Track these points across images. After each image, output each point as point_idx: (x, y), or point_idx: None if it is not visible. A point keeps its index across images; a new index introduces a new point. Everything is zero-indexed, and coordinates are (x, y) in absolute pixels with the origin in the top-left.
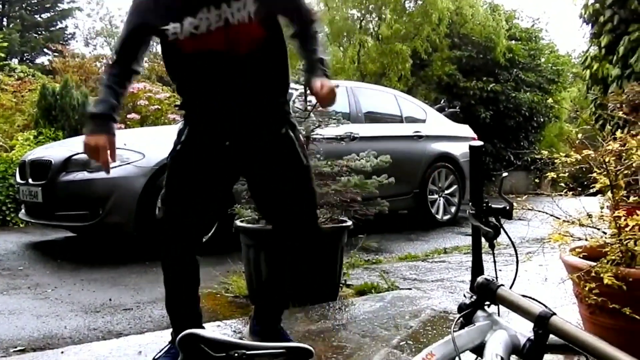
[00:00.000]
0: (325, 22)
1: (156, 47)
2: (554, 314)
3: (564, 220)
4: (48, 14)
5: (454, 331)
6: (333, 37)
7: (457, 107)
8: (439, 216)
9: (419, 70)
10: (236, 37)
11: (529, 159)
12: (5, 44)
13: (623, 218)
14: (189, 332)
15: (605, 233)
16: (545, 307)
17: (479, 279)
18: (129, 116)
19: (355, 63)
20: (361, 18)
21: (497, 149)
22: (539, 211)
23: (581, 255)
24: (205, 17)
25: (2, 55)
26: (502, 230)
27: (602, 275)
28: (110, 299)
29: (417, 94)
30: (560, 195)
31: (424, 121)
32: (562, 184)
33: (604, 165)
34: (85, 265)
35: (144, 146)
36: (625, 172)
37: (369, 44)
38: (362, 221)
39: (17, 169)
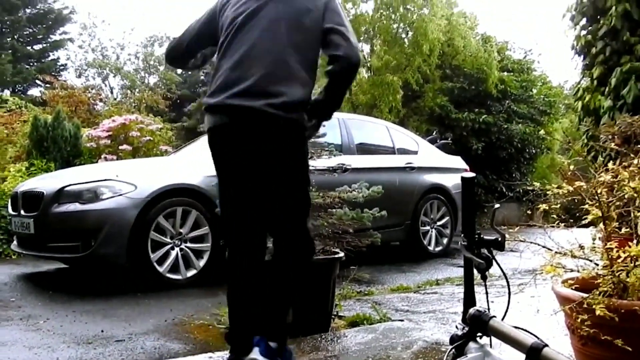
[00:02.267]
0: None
1: (148, 77)
2: (546, 345)
3: (556, 252)
4: (40, 45)
5: None
6: (322, 69)
7: (449, 139)
8: (430, 247)
9: (411, 102)
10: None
11: (521, 191)
12: None
13: (615, 250)
14: None
15: (597, 265)
16: (538, 338)
17: (471, 310)
18: (120, 147)
19: (347, 94)
20: None
21: (489, 181)
22: (531, 242)
23: (573, 287)
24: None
25: None
26: (494, 261)
27: (594, 306)
28: (102, 331)
29: (409, 125)
30: (553, 226)
31: (415, 153)
32: (554, 216)
33: (596, 197)
34: (78, 297)
35: (136, 178)
36: (618, 203)
37: (361, 76)
38: (354, 252)
39: (9, 201)
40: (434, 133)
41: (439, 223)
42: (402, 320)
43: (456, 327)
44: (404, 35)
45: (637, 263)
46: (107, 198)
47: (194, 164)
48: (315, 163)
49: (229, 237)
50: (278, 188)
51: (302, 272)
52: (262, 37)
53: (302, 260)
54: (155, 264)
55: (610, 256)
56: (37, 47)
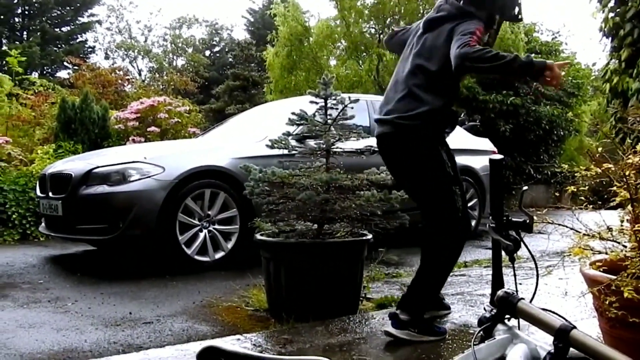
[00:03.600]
0: (342, 36)
1: (176, 60)
2: (574, 327)
3: (584, 234)
4: (68, 27)
5: (474, 345)
6: (350, 52)
7: (477, 121)
8: None
9: None
10: None
11: (549, 173)
12: (24, 59)
13: None
14: (209, 345)
15: (625, 247)
16: (566, 320)
17: (499, 292)
18: (149, 129)
19: (373, 77)
20: (379, 32)
21: (517, 163)
22: (559, 225)
23: (601, 269)
24: None
25: (21, 70)
26: (522, 243)
27: (622, 288)
28: (130, 313)
29: None
30: (581, 208)
31: None
32: (582, 198)
33: (624, 179)
34: (105, 279)
35: (164, 160)
36: None
37: (387, 57)
38: (383, 234)
39: (37, 183)
40: (462, 115)
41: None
42: None
43: (484, 309)
44: None
45: None
46: (135, 180)
47: (222, 146)
48: (343, 145)
49: None
50: (409, 184)
51: (439, 256)
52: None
53: (439, 245)
54: (183, 246)
55: (638, 238)
56: (65, 29)
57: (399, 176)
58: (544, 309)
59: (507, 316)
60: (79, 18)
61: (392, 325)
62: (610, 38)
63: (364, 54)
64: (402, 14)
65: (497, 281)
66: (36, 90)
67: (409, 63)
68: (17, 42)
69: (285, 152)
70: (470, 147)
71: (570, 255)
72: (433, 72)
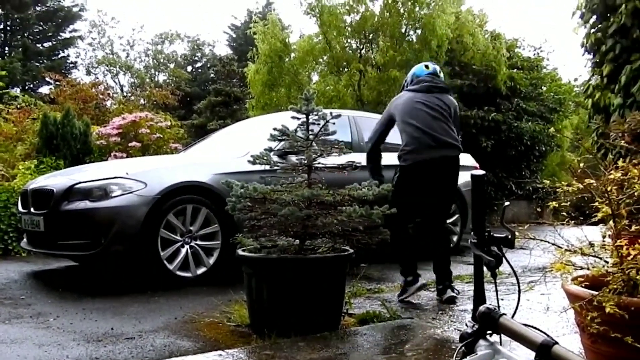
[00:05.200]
0: (323, 52)
1: (157, 75)
2: (556, 343)
3: (565, 250)
4: (50, 43)
5: None
6: (330, 67)
7: (460, 137)
8: None
9: None
10: None
11: (531, 188)
12: (4, 73)
13: (625, 247)
14: None
15: (607, 262)
16: (548, 336)
17: (481, 308)
18: (130, 145)
19: (355, 91)
20: (360, 47)
21: (498, 178)
22: (541, 240)
23: (583, 285)
24: None
25: (2, 84)
26: (504, 259)
27: (604, 304)
28: (112, 328)
29: None
30: (562, 224)
31: None
32: (564, 213)
33: (606, 195)
34: (88, 295)
35: (146, 175)
36: (627, 201)
37: (369, 73)
38: (364, 250)
39: (19, 198)
40: None
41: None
42: (412, 318)
43: (466, 324)
44: (412, 32)
45: None
46: (117, 196)
47: (204, 162)
48: (325, 161)
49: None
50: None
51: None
52: None
53: (447, 232)
54: (165, 261)
55: (620, 254)
56: (46, 44)
57: (442, 189)
58: (525, 325)
59: (489, 332)
60: (61, 34)
61: (453, 292)
62: (592, 54)
63: (345, 69)
64: (383, 29)
65: (479, 297)
66: (18, 106)
67: (431, 109)
68: None
69: (267, 167)
70: None
71: (552, 270)
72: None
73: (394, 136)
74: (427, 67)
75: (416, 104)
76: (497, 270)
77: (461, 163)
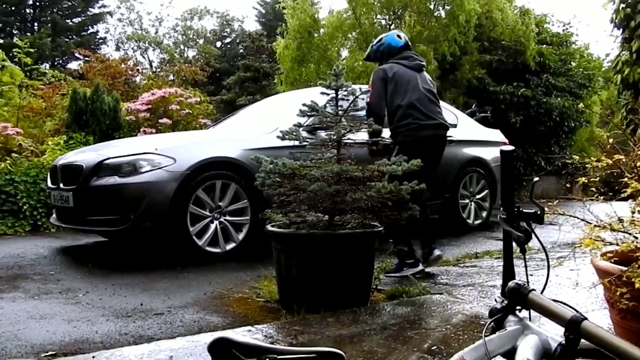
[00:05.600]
0: (352, 28)
1: (187, 51)
2: (585, 318)
3: (595, 225)
4: (79, 19)
5: (485, 336)
6: (360, 43)
7: (489, 112)
8: (470, 221)
9: (448, 74)
10: None
11: (560, 164)
12: (33, 50)
13: None
14: (220, 336)
15: (636, 238)
16: (577, 311)
17: (510, 283)
18: (160, 121)
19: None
20: (390, 23)
21: (528, 154)
22: (570, 216)
23: (612, 260)
24: None
25: (30, 61)
26: (533, 234)
27: (633, 279)
28: (141, 304)
29: (446, 97)
30: (592, 200)
31: (455, 126)
32: (593, 189)
33: (636, 170)
34: (117, 270)
35: (175, 151)
36: None
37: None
38: (393, 226)
39: (49, 174)
40: (473, 106)
41: (478, 196)
42: (441, 294)
43: (495, 300)
44: (440, 8)
45: None
46: (147, 171)
47: (233, 138)
48: (354, 136)
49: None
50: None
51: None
52: None
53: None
54: (194, 237)
55: None
56: (76, 20)
57: (432, 164)
58: (555, 300)
59: (518, 307)
60: (90, 9)
61: (438, 250)
62: (621, 29)
63: None
64: (411, 4)
65: (508, 272)
66: (47, 82)
67: (426, 90)
68: (28, 34)
69: (296, 143)
70: (482, 138)
71: (581, 246)
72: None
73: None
74: (399, 37)
75: (413, 80)
76: (526, 245)
77: (490, 139)
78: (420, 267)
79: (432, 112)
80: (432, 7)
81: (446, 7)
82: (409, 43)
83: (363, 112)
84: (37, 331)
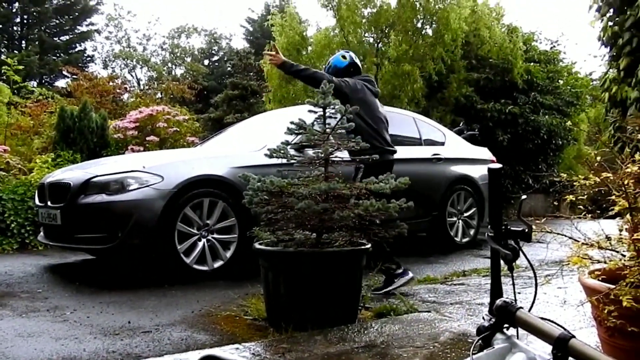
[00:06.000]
0: (340, 46)
1: (174, 69)
2: (573, 336)
3: (582, 243)
4: (67, 37)
5: (473, 354)
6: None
7: (477, 130)
8: (457, 239)
9: (436, 92)
10: None
11: (548, 182)
12: (21, 67)
13: None
14: (208, 354)
15: (624, 256)
16: (564, 329)
17: (498, 301)
18: (147, 138)
19: None
20: (377, 41)
21: (515, 172)
22: (558, 234)
23: (600, 278)
24: None
25: (19, 78)
26: (521, 252)
27: (621, 297)
28: (129, 322)
29: (433, 115)
30: (579, 217)
31: (442, 144)
32: (581, 207)
33: (623, 188)
34: (104, 288)
35: (163, 169)
36: None
37: (385, 67)
38: (381, 243)
39: (36, 192)
40: (461, 124)
41: (466, 214)
42: (429, 312)
43: (483, 318)
44: (427, 27)
45: None
46: (134, 189)
47: (221, 155)
48: (342, 154)
49: None
50: None
51: None
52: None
53: None
54: (182, 255)
55: (637, 247)
56: (63, 38)
57: None
58: (542, 318)
59: (506, 325)
60: (78, 27)
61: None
62: (609, 47)
63: (362, 63)
64: (398, 22)
65: (496, 290)
66: (35, 100)
67: (384, 117)
68: (16, 51)
69: (284, 161)
70: (469, 156)
71: (569, 264)
72: None
73: (409, 130)
74: (344, 57)
75: (375, 105)
76: (514, 263)
77: (478, 156)
78: (411, 275)
79: (389, 139)
80: (419, 25)
81: (433, 25)
82: (357, 63)
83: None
84: (25, 349)
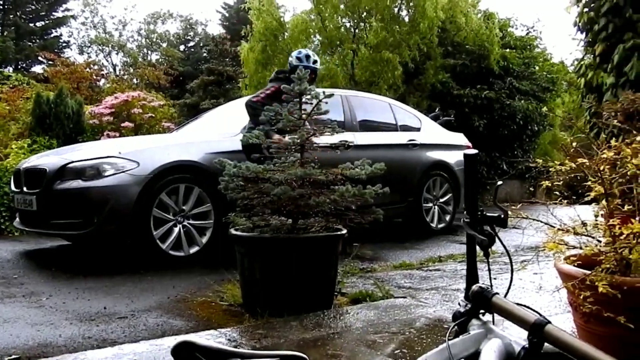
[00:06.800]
0: (317, 31)
1: (150, 55)
2: (549, 322)
3: (558, 229)
4: (43, 22)
5: (448, 339)
6: (324, 46)
7: (452, 116)
8: (433, 224)
9: (412, 78)
10: None
11: (524, 168)
12: None
13: (617, 226)
14: (184, 340)
15: (600, 241)
16: (540, 315)
17: (474, 287)
18: (123, 124)
19: (347, 70)
20: (354, 27)
21: (491, 158)
22: (534, 219)
23: (576, 264)
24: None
25: None
26: (496, 238)
27: (596, 283)
28: (105, 308)
29: (410, 101)
30: (555, 203)
31: (418, 130)
32: (557, 193)
33: (599, 174)
34: (80, 274)
35: (139, 155)
36: (620, 180)
37: (361, 52)
38: (357, 229)
39: (12, 177)
40: (437, 110)
41: (441, 200)
42: (404, 297)
43: (459, 304)
44: (404, 13)
45: (639, 240)
46: (110, 175)
47: (197, 141)
48: (317, 140)
49: None
50: None
51: None
52: None
53: None
54: (158, 240)
55: (612, 233)
56: (39, 24)
57: None
58: (518, 304)
59: (482, 311)
60: (54, 13)
61: None
62: (584, 33)
63: (339, 48)
64: (377, 9)
65: (472, 276)
66: (11, 85)
67: None
68: None
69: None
70: (445, 142)
71: (544, 250)
72: None
73: (385, 116)
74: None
75: None
76: (489, 249)
77: (454, 142)
78: None
79: None
80: (396, 11)
81: (410, 12)
82: (294, 65)
83: (326, 116)
84: (1, 335)
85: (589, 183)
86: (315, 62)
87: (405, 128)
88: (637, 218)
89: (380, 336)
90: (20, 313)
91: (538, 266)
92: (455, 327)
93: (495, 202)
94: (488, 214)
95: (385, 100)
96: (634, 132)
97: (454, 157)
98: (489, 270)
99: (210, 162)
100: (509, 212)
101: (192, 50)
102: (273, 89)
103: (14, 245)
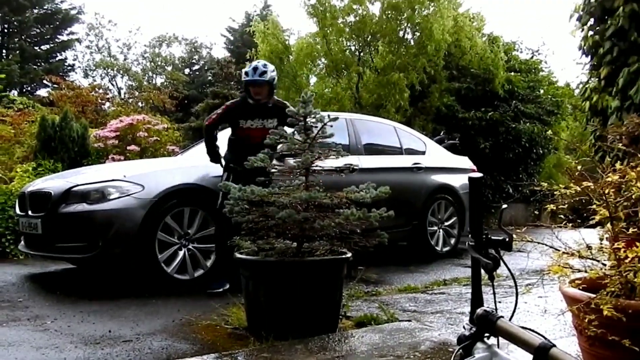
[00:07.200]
0: (322, 54)
1: (155, 78)
2: (554, 345)
3: (563, 252)
4: (48, 46)
5: None
6: (329, 69)
7: (457, 139)
8: (438, 248)
9: (417, 101)
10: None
11: (529, 191)
12: (3, 76)
13: (622, 250)
14: None
15: (604, 265)
16: (545, 338)
17: (479, 310)
18: (128, 148)
19: (353, 94)
20: (359, 50)
21: (496, 181)
22: (539, 243)
23: (581, 287)
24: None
25: (0, 86)
26: (501, 262)
27: (601, 307)
28: (109, 331)
29: (415, 124)
30: (560, 227)
31: (423, 153)
32: (562, 216)
33: (604, 197)
34: (85, 297)
35: (144, 178)
36: (625, 203)
37: (368, 76)
38: (362, 253)
39: (17, 201)
40: (442, 133)
41: (446, 223)
42: (409, 321)
43: (463, 327)
44: (409, 36)
45: None
46: (115, 198)
47: (201, 164)
48: (322, 163)
49: None
50: None
51: None
52: None
53: None
54: (162, 264)
55: (617, 256)
56: (44, 47)
57: None
58: (523, 327)
59: (487, 334)
60: (58, 36)
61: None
62: (589, 56)
63: (344, 71)
64: (382, 32)
65: (477, 299)
66: (16, 109)
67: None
68: None
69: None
70: (450, 166)
71: (549, 273)
72: None
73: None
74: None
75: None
76: (494, 273)
77: (459, 165)
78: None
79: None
80: (402, 34)
81: (416, 33)
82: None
83: (331, 139)
84: (6, 358)
85: (594, 206)
86: (263, 73)
87: (410, 151)
88: None
89: (385, 359)
90: (25, 336)
91: (543, 289)
92: (460, 350)
93: (500, 226)
94: (493, 238)
95: (390, 124)
96: (639, 155)
97: (458, 181)
98: (494, 293)
99: (215, 186)
100: (514, 236)
101: (197, 73)
102: (224, 108)
103: (19, 269)
